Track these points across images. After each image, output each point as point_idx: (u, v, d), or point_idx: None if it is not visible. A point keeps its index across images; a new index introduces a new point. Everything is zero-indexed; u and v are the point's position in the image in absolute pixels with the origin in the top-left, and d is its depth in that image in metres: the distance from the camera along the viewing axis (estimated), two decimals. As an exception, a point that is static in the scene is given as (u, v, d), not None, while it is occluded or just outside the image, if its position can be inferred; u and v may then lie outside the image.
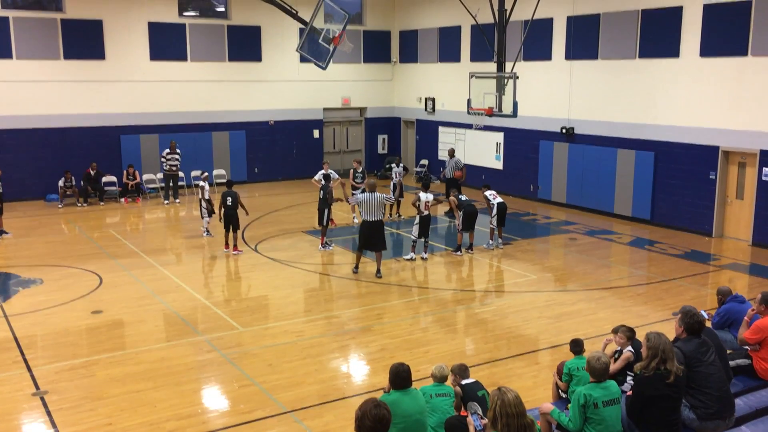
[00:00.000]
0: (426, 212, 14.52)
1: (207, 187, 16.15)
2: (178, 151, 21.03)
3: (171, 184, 21.02)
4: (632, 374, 6.66)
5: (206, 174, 17.03)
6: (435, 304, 12.06)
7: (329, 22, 20.19)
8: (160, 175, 22.12)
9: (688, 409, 6.39)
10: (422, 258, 14.69)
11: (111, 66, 21.69)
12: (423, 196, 14.63)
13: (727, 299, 8.53)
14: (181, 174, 21.60)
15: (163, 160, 21.05)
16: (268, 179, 24.61)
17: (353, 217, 18.12)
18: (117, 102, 21.92)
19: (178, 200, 21.08)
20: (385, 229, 13.79)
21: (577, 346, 7.23)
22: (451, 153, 19.65)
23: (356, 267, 13.62)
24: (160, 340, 10.33)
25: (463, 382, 6.77)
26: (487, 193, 15.60)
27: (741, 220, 16.27)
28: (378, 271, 13.31)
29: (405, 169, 19.16)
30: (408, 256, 14.67)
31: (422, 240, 14.69)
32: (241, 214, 15.33)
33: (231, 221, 15.03)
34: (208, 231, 16.44)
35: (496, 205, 15.36)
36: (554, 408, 6.20)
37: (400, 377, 6.01)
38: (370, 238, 13.24)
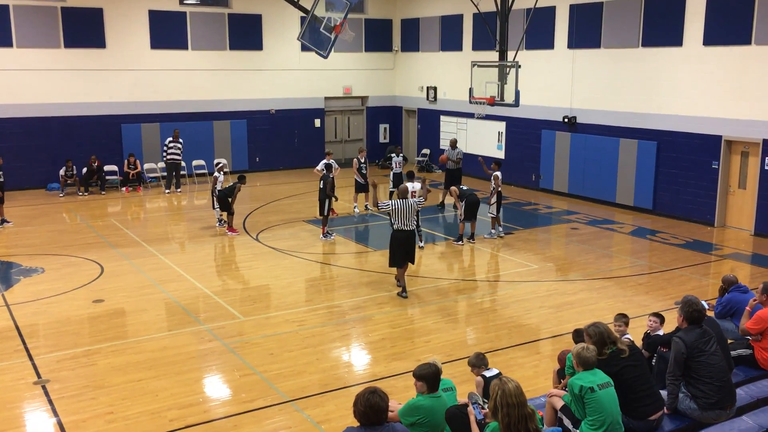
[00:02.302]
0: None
1: (221, 178, 16.01)
2: (180, 140, 21.00)
3: (173, 173, 21.00)
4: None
5: (221, 165, 16.94)
6: (436, 293, 12.05)
7: (330, 10, 20.07)
8: (161, 164, 22.12)
9: (689, 399, 6.39)
10: (419, 247, 14.65)
11: (111, 55, 21.62)
12: (410, 185, 14.58)
13: (730, 289, 8.50)
14: (183, 163, 21.58)
15: (165, 148, 21.01)
16: (269, 168, 24.58)
17: (354, 207, 18.09)
18: (118, 91, 21.86)
19: (179, 190, 21.06)
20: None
21: (579, 336, 7.22)
22: (453, 144, 19.24)
23: (404, 290, 11.65)
24: (162, 329, 10.34)
25: (486, 374, 6.68)
26: (499, 173, 15.48)
27: (743, 210, 16.23)
28: (404, 289, 11.67)
29: (404, 158, 19.06)
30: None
31: (419, 229, 14.64)
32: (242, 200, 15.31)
33: (221, 204, 15.74)
34: (220, 221, 16.37)
35: (497, 194, 15.34)
36: (566, 395, 6.17)
37: (438, 380, 5.91)
38: (405, 250, 11.56)
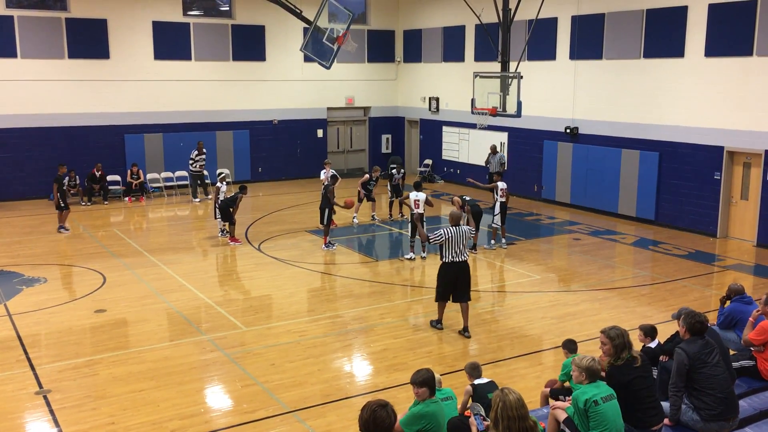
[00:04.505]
0: (418, 211, 14.46)
1: (224, 188, 16.13)
2: (204, 151, 21.33)
3: (199, 182, 21.28)
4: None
5: (223, 174, 17.11)
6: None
7: (333, 21, 20.22)
8: (166, 174, 22.35)
9: (691, 410, 6.37)
10: (421, 257, 14.66)
11: (115, 65, 21.72)
12: (413, 195, 14.63)
13: (733, 299, 8.48)
14: (205, 172, 21.84)
15: (191, 161, 21.19)
16: (271, 179, 24.62)
17: (353, 217, 18.09)
18: (121, 101, 21.95)
19: (209, 197, 21.14)
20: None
21: (573, 344, 7.25)
22: (494, 149, 20.19)
23: (439, 321, 10.63)
24: (163, 339, 10.34)
25: (476, 381, 6.74)
26: (501, 183, 15.55)
27: (746, 221, 16.21)
28: (466, 329, 10.43)
29: (403, 173, 18.98)
30: (408, 256, 14.67)
31: (419, 239, 14.62)
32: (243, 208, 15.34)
33: (222, 214, 15.86)
34: (222, 231, 16.39)
35: (499, 204, 15.36)
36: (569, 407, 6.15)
37: (434, 385, 5.92)
38: (457, 285, 10.32)
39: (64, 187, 17.04)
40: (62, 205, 16.83)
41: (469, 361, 7.11)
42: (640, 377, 6.13)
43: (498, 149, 20.40)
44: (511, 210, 19.68)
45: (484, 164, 20.57)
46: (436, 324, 10.65)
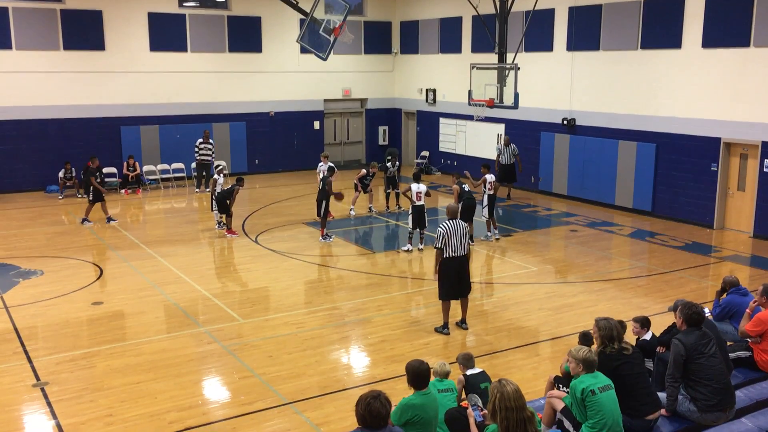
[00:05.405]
0: (419, 203, 14.47)
1: (221, 180, 16.12)
2: (211, 141, 21.34)
3: (204, 173, 21.29)
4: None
5: (220, 167, 17.16)
6: (435, 295, 12.00)
7: (330, 12, 20.07)
8: (162, 166, 22.27)
9: (688, 401, 6.40)
10: (418, 249, 14.67)
11: (111, 57, 21.62)
12: (414, 186, 14.62)
13: (729, 291, 8.51)
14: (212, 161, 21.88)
15: (196, 149, 21.25)
16: (268, 170, 24.57)
17: (350, 209, 18.07)
18: (117, 93, 21.86)
19: (208, 189, 21.11)
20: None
21: (587, 339, 7.22)
22: (507, 141, 20.32)
23: (446, 326, 10.18)
24: (161, 331, 10.34)
25: (468, 372, 6.79)
26: (489, 176, 15.60)
27: (742, 212, 16.24)
28: (463, 321, 10.37)
29: (398, 167, 19.00)
30: (405, 248, 14.67)
31: (418, 231, 14.65)
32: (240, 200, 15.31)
33: (219, 206, 15.81)
34: (219, 223, 16.37)
35: (487, 197, 15.40)
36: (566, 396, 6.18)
37: (422, 377, 5.90)
38: (459, 281, 10.06)
39: (98, 180, 17.09)
40: (92, 198, 16.88)
41: (463, 352, 7.14)
42: (627, 363, 6.21)
43: (510, 141, 20.31)
44: (509, 201, 19.77)
45: (496, 157, 20.44)
46: (443, 329, 10.16)
